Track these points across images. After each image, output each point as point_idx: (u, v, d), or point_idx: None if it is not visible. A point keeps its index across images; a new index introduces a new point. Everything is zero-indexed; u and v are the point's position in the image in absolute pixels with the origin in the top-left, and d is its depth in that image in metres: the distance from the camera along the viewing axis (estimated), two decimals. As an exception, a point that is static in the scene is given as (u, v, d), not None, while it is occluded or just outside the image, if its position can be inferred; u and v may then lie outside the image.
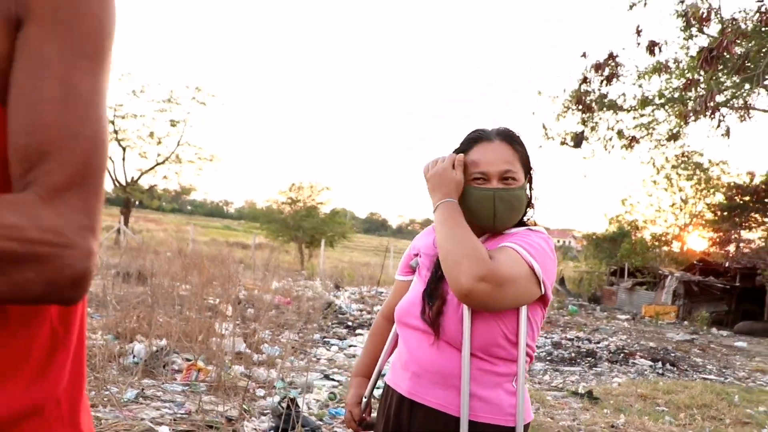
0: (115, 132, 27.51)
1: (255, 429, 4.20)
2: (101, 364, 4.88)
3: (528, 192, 1.71)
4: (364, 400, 1.93)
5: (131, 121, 27.80)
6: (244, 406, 4.62)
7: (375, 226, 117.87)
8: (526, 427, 1.65)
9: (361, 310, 12.65)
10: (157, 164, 28.60)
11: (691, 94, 12.55)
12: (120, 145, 27.89)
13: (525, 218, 1.74)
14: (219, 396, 4.88)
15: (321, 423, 4.54)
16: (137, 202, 29.73)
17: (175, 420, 4.20)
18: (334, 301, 12.93)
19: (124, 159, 28.19)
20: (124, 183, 28.16)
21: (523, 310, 1.58)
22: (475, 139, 1.68)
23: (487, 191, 1.62)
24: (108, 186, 28.17)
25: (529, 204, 1.74)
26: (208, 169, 32.09)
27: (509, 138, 1.67)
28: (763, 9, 9.34)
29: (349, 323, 10.54)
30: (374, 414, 1.95)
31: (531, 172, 1.72)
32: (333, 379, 6.13)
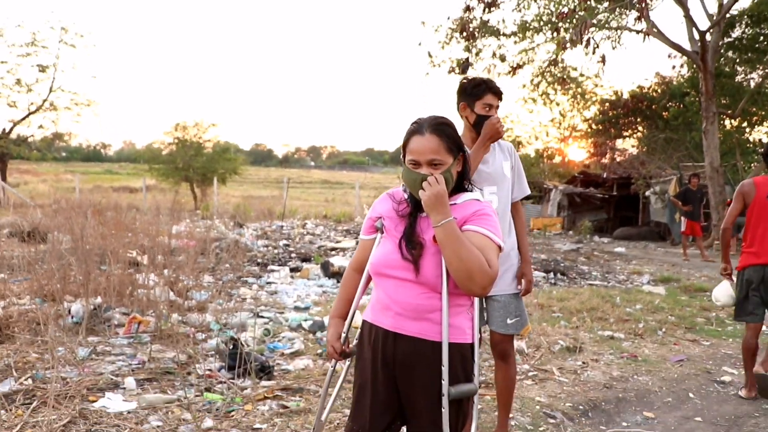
0: (-24, 82, 25.59)
1: (209, 370, 4.62)
2: (44, 329, 5.08)
3: (454, 169, 2.18)
4: (343, 335, 2.42)
5: (-8, 68, 25.89)
6: (190, 350, 5.03)
7: (261, 157, 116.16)
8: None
9: (266, 246, 12.98)
10: (30, 113, 26.80)
11: (565, 24, 13.43)
12: (-17, 96, 26.01)
13: (465, 183, 2.27)
14: (164, 344, 5.24)
15: (264, 357, 5.01)
16: (12, 155, 27.94)
17: (132, 371, 4.55)
18: (239, 240, 13.19)
19: (-8, 110, 26.43)
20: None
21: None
22: (411, 131, 2.17)
23: (415, 175, 2.13)
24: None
25: (465, 173, 2.26)
26: (86, 115, 30.52)
27: (438, 129, 2.14)
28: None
29: (259, 260, 10.86)
30: (351, 346, 2.46)
31: (461, 151, 2.21)
32: (262, 317, 6.58)
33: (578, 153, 30.84)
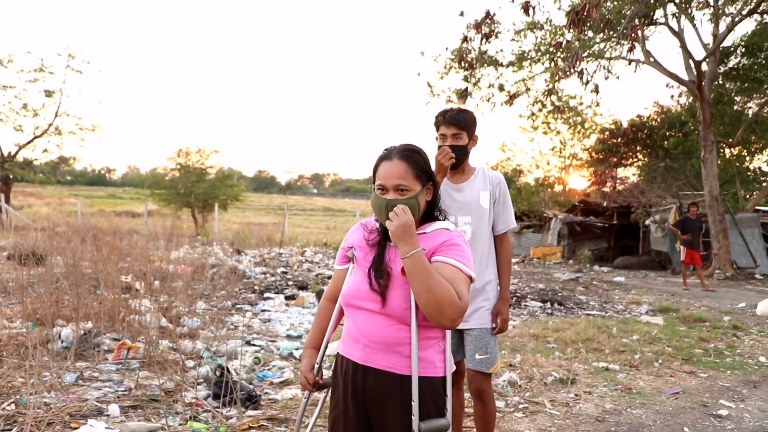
0: (-16, 106, 25.96)
1: (194, 398, 4.57)
2: (32, 352, 5.04)
3: (422, 197, 2.15)
4: (316, 366, 2.39)
5: (0, 93, 26.27)
6: (177, 378, 4.98)
7: (264, 183, 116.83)
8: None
9: (264, 273, 12.96)
10: (36, 137, 27.15)
11: (561, 54, 13.53)
12: (-9, 120, 26.35)
13: (436, 212, 2.25)
14: (152, 371, 5.20)
15: (252, 386, 4.96)
16: (16, 178, 28.15)
17: (118, 398, 4.51)
18: (237, 267, 13.17)
19: (-3, 134, 26.78)
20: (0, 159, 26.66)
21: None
22: (381, 158, 2.17)
23: (381, 200, 2.11)
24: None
25: (435, 202, 2.23)
26: (90, 140, 30.85)
27: (406, 156, 2.13)
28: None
29: (256, 287, 10.82)
30: (326, 377, 2.43)
31: (430, 179, 2.18)
32: (254, 344, 6.54)
33: (579, 181, 30.95)
